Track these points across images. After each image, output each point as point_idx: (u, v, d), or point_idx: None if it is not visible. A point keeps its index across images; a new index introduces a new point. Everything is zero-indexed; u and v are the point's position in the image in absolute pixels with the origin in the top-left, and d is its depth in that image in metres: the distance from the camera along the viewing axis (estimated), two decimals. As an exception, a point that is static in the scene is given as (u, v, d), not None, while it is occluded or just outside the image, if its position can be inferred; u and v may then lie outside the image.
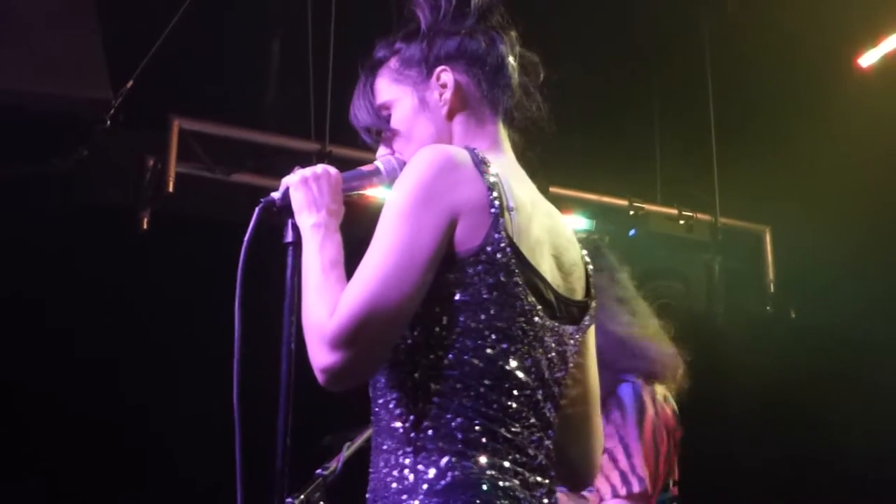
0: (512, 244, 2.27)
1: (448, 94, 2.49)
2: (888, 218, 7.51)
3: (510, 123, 2.57)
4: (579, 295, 2.51)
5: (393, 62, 2.56)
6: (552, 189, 7.08)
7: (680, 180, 7.88)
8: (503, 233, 2.26)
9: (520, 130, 2.60)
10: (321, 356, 2.19)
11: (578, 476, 2.63)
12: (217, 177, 6.50)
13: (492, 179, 2.29)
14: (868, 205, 7.56)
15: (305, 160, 6.30)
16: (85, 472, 6.06)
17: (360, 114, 2.58)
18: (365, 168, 2.55)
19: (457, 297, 2.24)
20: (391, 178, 2.45)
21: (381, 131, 2.57)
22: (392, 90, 2.54)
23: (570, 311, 2.46)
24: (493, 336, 2.26)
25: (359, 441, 3.65)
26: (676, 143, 7.90)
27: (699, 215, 7.77)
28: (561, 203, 7.23)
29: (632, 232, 7.61)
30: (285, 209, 2.42)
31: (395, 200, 2.26)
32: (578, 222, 7.46)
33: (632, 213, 7.61)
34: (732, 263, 7.92)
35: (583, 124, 7.06)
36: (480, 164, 2.31)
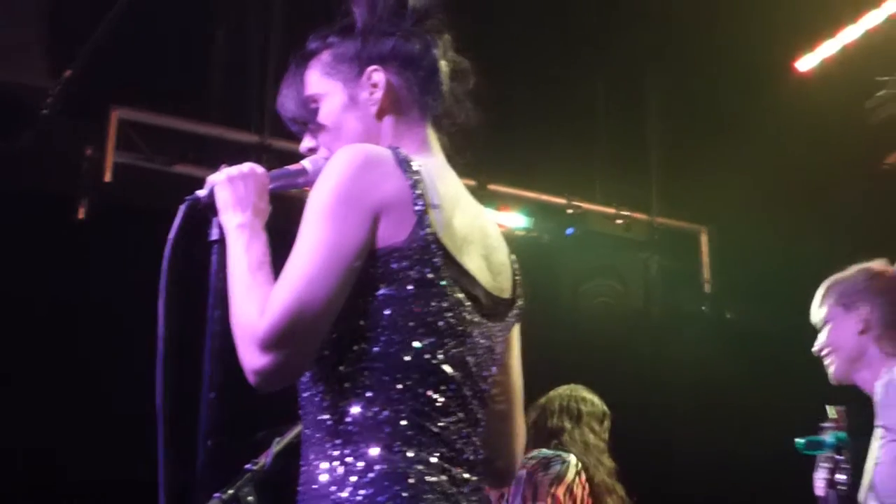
0: (437, 241, 2.29)
1: (378, 94, 2.49)
2: (824, 221, 7.59)
3: (439, 127, 2.57)
4: (507, 294, 2.53)
5: (325, 55, 2.55)
6: (491, 186, 7.13)
7: (618, 180, 7.93)
8: (428, 229, 2.27)
9: (450, 134, 2.60)
10: (253, 358, 2.19)
11: (499, 473, 2.64)
12: (156, 167, 6.50)
13: (415, 177, 2.30)
14: (804, 208, 7.65)
15: (245, 152, 6.32)
16: (15, 468, 6.02)
17: (287, 103, 2.57)
18: (292, 167, 2.55)
19: (381, 291, 2.25)
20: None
21: (308, 122, 2.56)
22: (322, 83, 2.54)
23: (498, 309, 2.47)
24: (420, 330, 2.27)
25: (289, 436, 3.65)
26: (615, 142, 7.95)
27: (636, 215, 7.83)
28: (499, 200, 7.31)
29: (569, 230, 7.66)
30: (211, 207, 2.42)
31: (316, 200, 2.26)
32: (517, 220, 7.50)
33: (570, 211, 7.66)
34: (669, 263, 7.98)
35: (523, 123, 7.08)
36: (403, 163, 2.31)
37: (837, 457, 3.68)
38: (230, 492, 3.48)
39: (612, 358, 7.45)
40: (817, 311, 4.05)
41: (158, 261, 2.38)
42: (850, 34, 6.97)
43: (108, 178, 6.27)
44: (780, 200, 7.68)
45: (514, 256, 2.61)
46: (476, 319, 2.38)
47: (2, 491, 6.06)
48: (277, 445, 3.64)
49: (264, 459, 3.63)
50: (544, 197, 7.65)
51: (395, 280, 2.26)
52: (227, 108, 6.86)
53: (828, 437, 3.77)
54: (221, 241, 2.40)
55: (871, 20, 6.82)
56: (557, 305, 7.66)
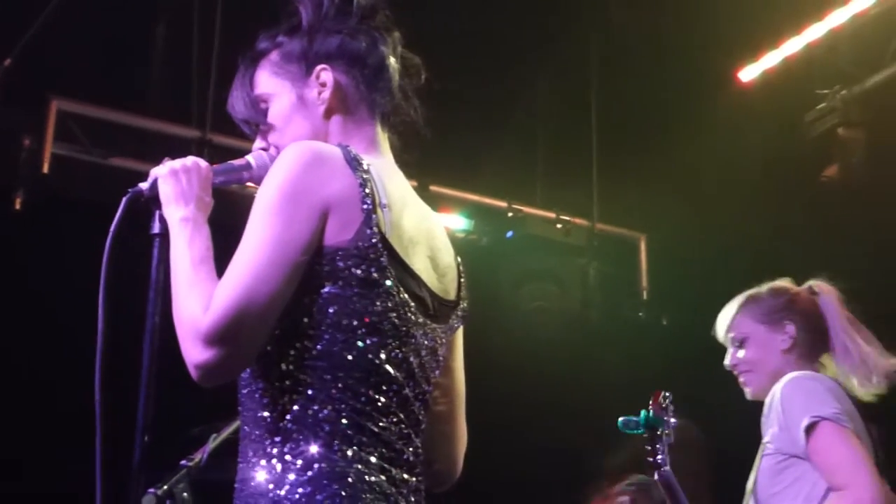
0: (384, 240, 2.29)
1: (326, 94, 2.49)
2: (761, 230, 7.64)
3: (387, 125, 2.57)
4: (452, 296, 2.53)
5: (274, 55, 2.54)
6: (432, 188, 7.12)
7: (559, 185, 7.96)
8: (375, 229, 2.27)
9: (398, 133, 2.59)
10: (196, 353, 2.18)
11: (439, 476, 2.62)
12: (94, 159, 6.45)
13: (364, 176, 2.30)
14: (742, 216, 7.70)
15: (186, 147, 6.28)
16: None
17: (237, 104, 2.56)
18: (236, 162, 2.53)
19: (325, 289, 2.25)
20: (262, 173, 2.42)
21: (259, 124, 2.55)
22: (271, 83, 2.53)
23: (443, 311, 2.48)
24: (363, 329, 2.27)
25: (225, 433, 3.64)
26: (558, 147, 7.98)
27: (577, 220, 7.86)
28: (441, 202, 7.30)
29: (509, 233, 7.68)
30: (153, 200, 2.40)
31: (264, 196, 2.26)
32: (457, 222, 7.51)
33: (510, 214, 7.69)
34: (607, 269, 8.02)
35: (465, 124, 7.09)
36: (352, 161, 2.32)
37: (655, 437, 3.81)
38: (165, 487, 3.47)
39: (549, 361, 7.47)
40: (732, 327, 4.06)
41: (97, 253, 2.35)
42: (792, 46, 7.03)
43: (45, 169, 6.21)
44: (718, 210, 7.73)
45: (459, 259, 2.61)
46: (420, 320, 2.38)
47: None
48: (214, 441, 3.63)
49: (200, 455, 3.61)
50: (485, 199, 7.68)
51: (340, 278, 2.26)
52: (169, 102, 6.83)
53: (639, 417, 3.89)
54: (163, 234, 2.38)
55: (813, 33, 6.88)
56: (496, 308, 7.67)
